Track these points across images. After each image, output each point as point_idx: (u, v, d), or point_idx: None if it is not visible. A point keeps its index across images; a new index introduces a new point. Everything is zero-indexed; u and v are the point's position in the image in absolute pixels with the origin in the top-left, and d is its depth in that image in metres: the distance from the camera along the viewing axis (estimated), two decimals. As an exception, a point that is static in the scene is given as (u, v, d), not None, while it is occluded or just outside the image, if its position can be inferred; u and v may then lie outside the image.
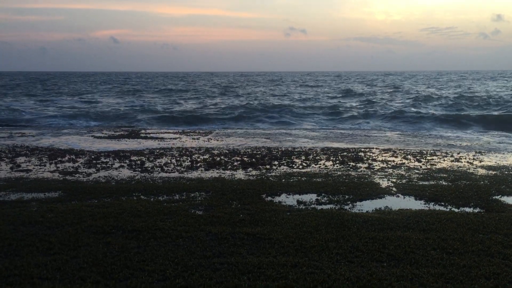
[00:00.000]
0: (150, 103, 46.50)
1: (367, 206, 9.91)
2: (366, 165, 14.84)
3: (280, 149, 18.50)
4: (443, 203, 10.11)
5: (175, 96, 57.01)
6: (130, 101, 49.30)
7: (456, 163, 15.27)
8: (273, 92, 63.54)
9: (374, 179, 12.64)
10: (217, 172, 13.62)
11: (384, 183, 12.09)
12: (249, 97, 52.95)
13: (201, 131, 26.80)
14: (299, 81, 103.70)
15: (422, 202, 10.30)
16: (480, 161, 15.73)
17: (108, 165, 14.66)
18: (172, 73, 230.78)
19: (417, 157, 16.35)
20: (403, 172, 13.62)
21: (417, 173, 13.45)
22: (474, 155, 17.07)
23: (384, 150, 18.48)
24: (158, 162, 15.15)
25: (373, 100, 48.43)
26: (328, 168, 14.26)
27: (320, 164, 15.02)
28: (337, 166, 14.62)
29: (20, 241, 7.33)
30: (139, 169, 13.97)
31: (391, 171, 13.77)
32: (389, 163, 15.25)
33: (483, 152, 17.98)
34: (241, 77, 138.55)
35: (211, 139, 22.23)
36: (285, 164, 14.98)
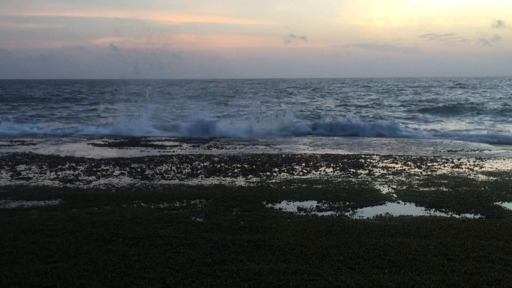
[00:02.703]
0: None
1: (367, 212, 9.90)
2: (367, 171, 14.84)
3: (280, 156, 18.51)
4: (443, 209, 10.10)
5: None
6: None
7: (457, 169, 15.26)
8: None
9: (375, 185, 12.64)
10: (218, 179, 13.62)
11: (384, 190, 12.08)
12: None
13: (202, 138, 26.81)
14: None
15: (423, 208, 10.29)
16: (481, 167, 15.72)
17: (108, 172, 14.66)
18: (173, 80, 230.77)
19: (418, 163, 16.35)
20: (403, 179, 13.61)
21: (418, 179, 13.44)
22: (474, 161, 17.06)
23: (384, 156, 18.47)
24: (158, 169, 15.15)
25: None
26: (328, 175, 14.25)
27: (320, 170, 15.02)
28: (337, 173, 14.62)
29: (20, 249, 7.31)
30: (140, 177, 13.97)
31: (391, 178, 13.77)
32: (390, 169, 15.25)
33: (484, 158, 17.98)
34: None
35: (211, 147, 22.24)
36: (285, 170, 14.98)
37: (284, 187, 12.38)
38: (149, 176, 14.10)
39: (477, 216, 9.56)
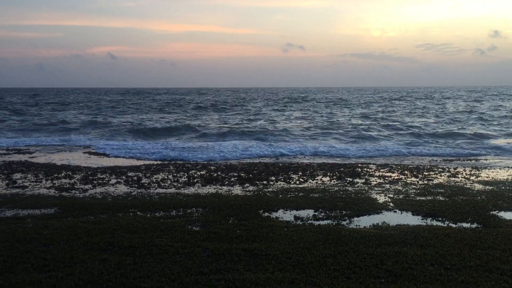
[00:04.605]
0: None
1: (364, 221, 9.88)
2: (363, 180, 14.83)
3: (277, 164, 18.50)
4: (440, 219, 10.09)
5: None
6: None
7: (453, 179, 15.28)
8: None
9: (371, 194, 12.63)
10: (214, 188, 13.58)
11: (381, 199, 12.07)
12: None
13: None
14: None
15: (420, 217, 10.28)
16: (477, 177, 15.74)
17: (104, 181, 14.61)
18: (171, 88, 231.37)
19: (414, 173, 16.36)
20: (400, 188, 13.61)
21: (414, 189, 13.44)
22: (470, 171, 17.09)
23: (380, 165, 18.48)
24: (155, 178, 15.11)
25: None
26: (325, 184, 14.24)
27: (317, 179, 15.01)
28: (334, 182, 14.61)
29: (15, 258, 7.26)
30: (136, 185, 13.93)
31: (388, 187, 13.76)
32: (386, 178, 15.25)
33: (480, 168, 18.01)
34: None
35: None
36: (282, 179, 14.96)
37: (281, 196, 12.36)
38: (146, 184, 14.06)
39: (474, 226, 9.56)
